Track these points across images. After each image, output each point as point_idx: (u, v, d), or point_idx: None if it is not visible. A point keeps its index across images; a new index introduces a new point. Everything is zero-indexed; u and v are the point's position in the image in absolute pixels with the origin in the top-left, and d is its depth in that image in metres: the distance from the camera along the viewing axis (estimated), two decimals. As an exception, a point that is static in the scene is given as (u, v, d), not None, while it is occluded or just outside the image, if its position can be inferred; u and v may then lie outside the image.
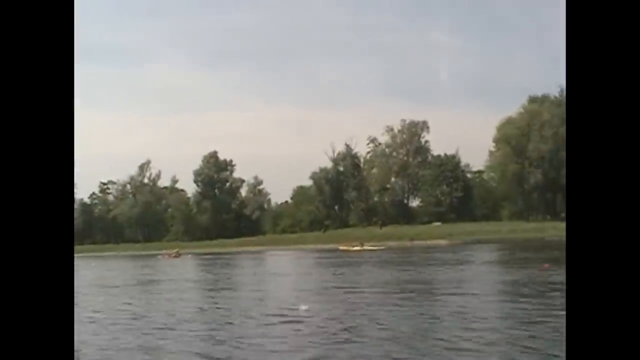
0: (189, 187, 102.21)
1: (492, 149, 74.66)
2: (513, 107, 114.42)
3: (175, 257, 59.32)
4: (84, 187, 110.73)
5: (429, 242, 56.12)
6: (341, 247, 53.50)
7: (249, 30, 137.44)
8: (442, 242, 55.25)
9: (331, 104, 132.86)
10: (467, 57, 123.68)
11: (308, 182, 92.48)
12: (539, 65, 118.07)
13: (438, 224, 70.98)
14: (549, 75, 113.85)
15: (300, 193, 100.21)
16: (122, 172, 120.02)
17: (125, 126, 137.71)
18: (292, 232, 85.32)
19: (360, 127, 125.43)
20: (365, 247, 51.34)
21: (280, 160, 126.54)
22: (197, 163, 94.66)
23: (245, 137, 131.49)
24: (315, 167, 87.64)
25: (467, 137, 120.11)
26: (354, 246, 52.38)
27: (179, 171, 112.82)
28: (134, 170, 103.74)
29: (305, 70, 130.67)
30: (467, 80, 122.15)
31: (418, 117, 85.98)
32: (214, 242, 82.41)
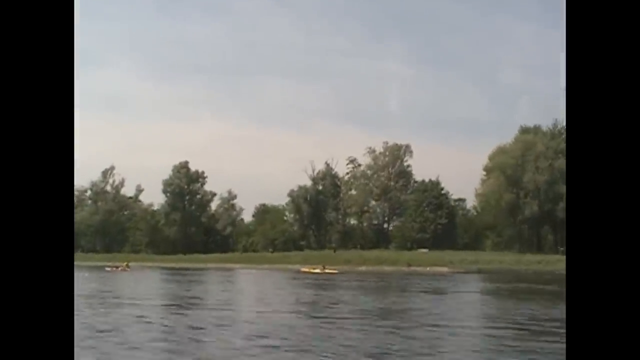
0: (152, 198, 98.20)
1: (483, 177, 73.59)
2: (463, 141, 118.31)
3: (124, 270, 56.16)
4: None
5: (429, 269, 53.91)
6: (303, 269, 52.82)
7: (203, 43, 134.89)
8: (443, 269, 53.15)
9: (282, 123, 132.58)
10: (418, 87, 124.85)
11: (269, 200, 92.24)
12: (487, 101, 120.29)
13: (425, 250, 68.95)
14: (497, 111, 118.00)
15: (263, 211, 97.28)
16: (76, 178, 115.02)
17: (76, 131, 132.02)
18: (266, 251, 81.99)
19: (311, 149, 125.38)
20: (326, 270, 50.76)
21: (233, 176, 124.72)
22: (154, 172, 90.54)
23: (198, 151, 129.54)
24: (269, 186, 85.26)
25: (425, 167, 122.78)
26: (314, 269, 51.86)
27: (136, 180, 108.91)
28: (90, 176, 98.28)
29: (257, 88, 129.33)
30: (419, 110, 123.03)
31: (367, 144, 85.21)
32: (186, 256, 78.05)
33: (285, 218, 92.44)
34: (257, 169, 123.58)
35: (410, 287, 33.95)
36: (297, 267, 56.70)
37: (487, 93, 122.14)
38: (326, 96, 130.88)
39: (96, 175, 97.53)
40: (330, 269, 51.79)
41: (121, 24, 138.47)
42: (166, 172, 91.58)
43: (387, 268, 56.29)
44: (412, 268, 55.36)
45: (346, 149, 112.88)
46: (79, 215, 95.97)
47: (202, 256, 77.09)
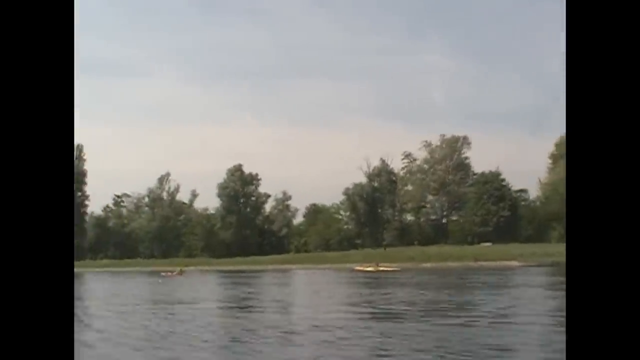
0: (206, 202, 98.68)
1: (550, 166, 70.58)
2: (512, 132, 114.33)
3: (179, 274, 56.35)
4: (96, 201, 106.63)
5: (498, 264, 51.61)
6: (357, 268, 51.79)
7: (245, 48, 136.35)
8: (513, 263, 50.81)
9: (325, 123, 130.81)
10: (460, 80, 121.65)
11: (316, 200, 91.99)
12: (533, 91, 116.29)
13: (488, 244, 66.47)
14: (544, 100, 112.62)
15: (314, 211, 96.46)
16: (128, 186, 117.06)
17: (125, 140, 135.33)
18: (319, 251, 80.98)
19: (356, 148, 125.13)
20: (380, 268, 49.30)
21: (278, 178, 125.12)
22: (206, 177, 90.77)
23: (245, 154, 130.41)
24: (316, 187, 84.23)
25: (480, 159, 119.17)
26: (367, 267, 50.74)
27: (188, 186, 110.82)
28: (147, 183, 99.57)
29: (299, 89, 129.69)
30: (461, 103, 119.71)
31: (412, 139, 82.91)
32: (243, 259, 77.72)
33: (339, 217, 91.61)
34: (303, 169, 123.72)
35: (507, 282, 31.53)
36: (355, 265, 55.23)
37: (533, 82, 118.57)
38: (368, 94, 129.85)
39: (152, 182, 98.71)
40: (385, 267, 50.26)
41: (165, 34, 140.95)
42: (216, 176, 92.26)
43: (453, 264, 54.30)
44: (480, 263, 53.21)
45: (392, 146, 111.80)
46: (137, 222, 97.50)
47: (259, 258, 76.75)
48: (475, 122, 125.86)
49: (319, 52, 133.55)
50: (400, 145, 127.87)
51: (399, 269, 48.86)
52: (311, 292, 30.39)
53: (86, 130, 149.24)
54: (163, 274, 57.53)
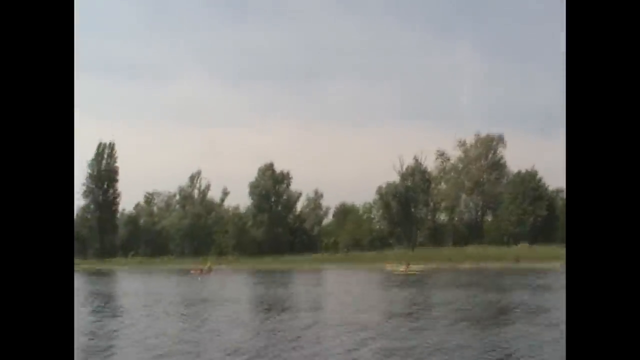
0: (236, 201, 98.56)
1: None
2: (544, 131, 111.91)
3: (207, 273, 56.46)
4: (127, 199, 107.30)
5: (542, 265, 50.44)
6: (388, 267, 51.51)
7: (272, 48, 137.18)
8: (556, 264, 49.60)
9: (353, 123, 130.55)
10: (491, 79, 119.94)
11: (344, 200, 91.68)
12: (564, 90, 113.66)
13: (525, 244, 65.25)
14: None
15: (344, 211, 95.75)
16: (159, 185, 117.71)
17: (156, 140, 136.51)
18: (351, 251, 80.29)
19: (386, 147, 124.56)
20: (411, 269, 48.88)
21: (307, 177, 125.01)
22: (237, 176, 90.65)
23: (273, 154, 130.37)
24: (348, 186, 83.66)
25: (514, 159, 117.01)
26: (399, 267, 50.40)
27: (218, 184, 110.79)
28: (178, 182, 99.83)
29: (327, 89, 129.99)
30: (492, 102, 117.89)
31: (443, 139, 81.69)
32: (275, 258, 77.48)
33: (370, 216, 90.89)
34: (332, 169, 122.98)
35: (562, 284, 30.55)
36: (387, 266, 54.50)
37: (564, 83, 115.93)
38: (398, 93, 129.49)
39: (183, 181, 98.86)
40: (416, 267, 49.61)
41: (192, 35, 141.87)
42: (247, 176, 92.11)
43: (492, 265, 53.24)
44: (520, 264, 52.09)
45: (423, 145, 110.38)
46: (168, 220, 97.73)
47: (291, 257, 76.46)
48: (507, 121, 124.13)
49: (348, 51, 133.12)
50: (432, 144, 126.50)
51: (424, 269, 48.06)
52: (363, 299, 29.80)
53: (117, 130, 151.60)
54: (192, 271, 57.66)
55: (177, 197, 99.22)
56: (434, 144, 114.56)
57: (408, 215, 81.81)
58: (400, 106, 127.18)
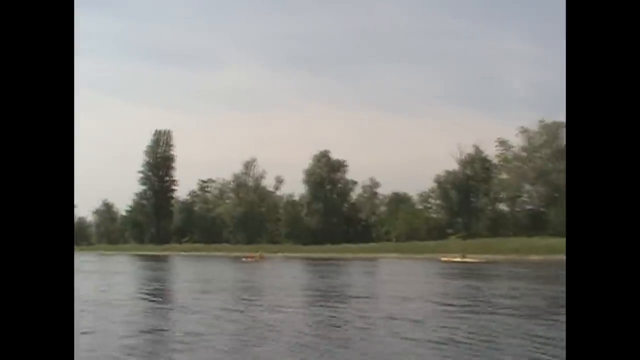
0: (290, 189, 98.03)
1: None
2: None
3: (258, 260, 56.00)
4: (182, 186, 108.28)
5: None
6: (443, 259, 51.27)
7: (319, 34, 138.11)
8: None
9: (403, 110, 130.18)
10: (539, 66, 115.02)
11: (400, 188, 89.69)
12: None
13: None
14: None
15: (397, 200, 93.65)
16: (213, 172, 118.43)
17: (209, 127, 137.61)
18: (409, 240, 78.38)
19: (432, 134, 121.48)
20: (466, 259, 48.50)
21: (363, 166, 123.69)
22: (289, 164, 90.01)
23: (328, 141, 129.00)
24: (402, 174, 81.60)
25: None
26: (454, 258, 50.57)
27: (274, 172, 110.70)
28: (231, 169, 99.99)
29: (375, 75, 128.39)
30: (549, 90, 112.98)
31: (487, 127, 78.40)
32: (330, 246, 76.34)
33: (427, 205, 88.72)
34: (385, 157, 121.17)
35: None
36: (444, 256, 53.38)
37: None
38: (447, 80, 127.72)
39: (236, 169, 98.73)
40: (471, 258, 48.45)
41: (241, 22, 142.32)
42: (300, 163, 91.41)
43: (560, 257, 50.47)
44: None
45: (478, 133, 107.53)
46: (222, 207, 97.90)
47: (346, 246, 75.28)
48: (560, 108, 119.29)
49: (395, 37, 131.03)
50: (488, 132, 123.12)
51: (482, 260, 46.48)
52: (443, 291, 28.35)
53: (171, 118, 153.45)
54: (244, 259, 57.32)
55: (232, 184, 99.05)
56: (491, 131, 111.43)
57: (467, 205, 79.22)
58: (453, 93, 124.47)
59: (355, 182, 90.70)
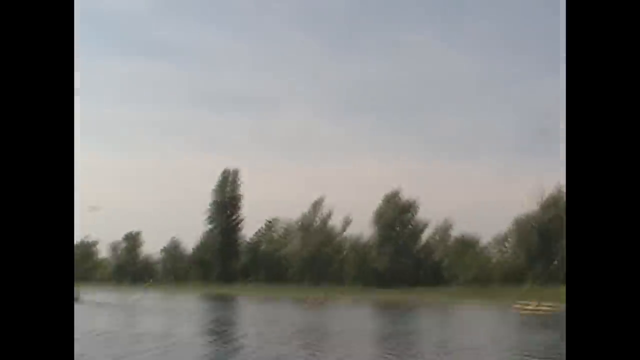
0: (358, 230, 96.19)
1: None
2: None
3: (322, 301, 54.24)
4: (249, 225, 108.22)
5: None
6: (517, 305, 49.22)
7: (377, 80, 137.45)
8: None
9: (463, 154, 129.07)
10: None
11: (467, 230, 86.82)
12: None
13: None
14: None
15: (463, 243, 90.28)
16: (278, 212, 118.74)
17: (274, 169, 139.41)
18: (479, 286, 74.74)
19: (495, 180, 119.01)
20: (542, 307, 46.20)
21: (427, 209, 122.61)
22: (354, 205, 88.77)
23: (391, 184, 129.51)
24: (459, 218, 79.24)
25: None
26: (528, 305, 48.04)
27: (340, 213, 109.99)
28: (299, 210, 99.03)
29: (435, 120, 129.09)
30: None
31: (553, 175, 74.60)
32: (407, 291, 73.54)
33: (496, 249, 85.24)
34: (447, 199, 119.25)
35: None
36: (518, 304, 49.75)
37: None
38: (508, 123, 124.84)
39: (302, 210, 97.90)
40: (546, 305, 45.59)
41: (296, 68, 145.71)
42: (367, 204, 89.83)
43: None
44: None
45: (542, 177, 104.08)
46: (289, 247, 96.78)
47: (411, 289, 72.38)
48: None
49: (453, 82, 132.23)
50: (553, 175, 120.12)
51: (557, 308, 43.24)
52: None
53: (239, 160, 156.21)
54: (305, 302, 55.77)
55: (299, 224, 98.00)
56: (555, 177, 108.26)
57: (547, 249, 75.32)
58: (513, 137, 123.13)
59: (426, 224, 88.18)
